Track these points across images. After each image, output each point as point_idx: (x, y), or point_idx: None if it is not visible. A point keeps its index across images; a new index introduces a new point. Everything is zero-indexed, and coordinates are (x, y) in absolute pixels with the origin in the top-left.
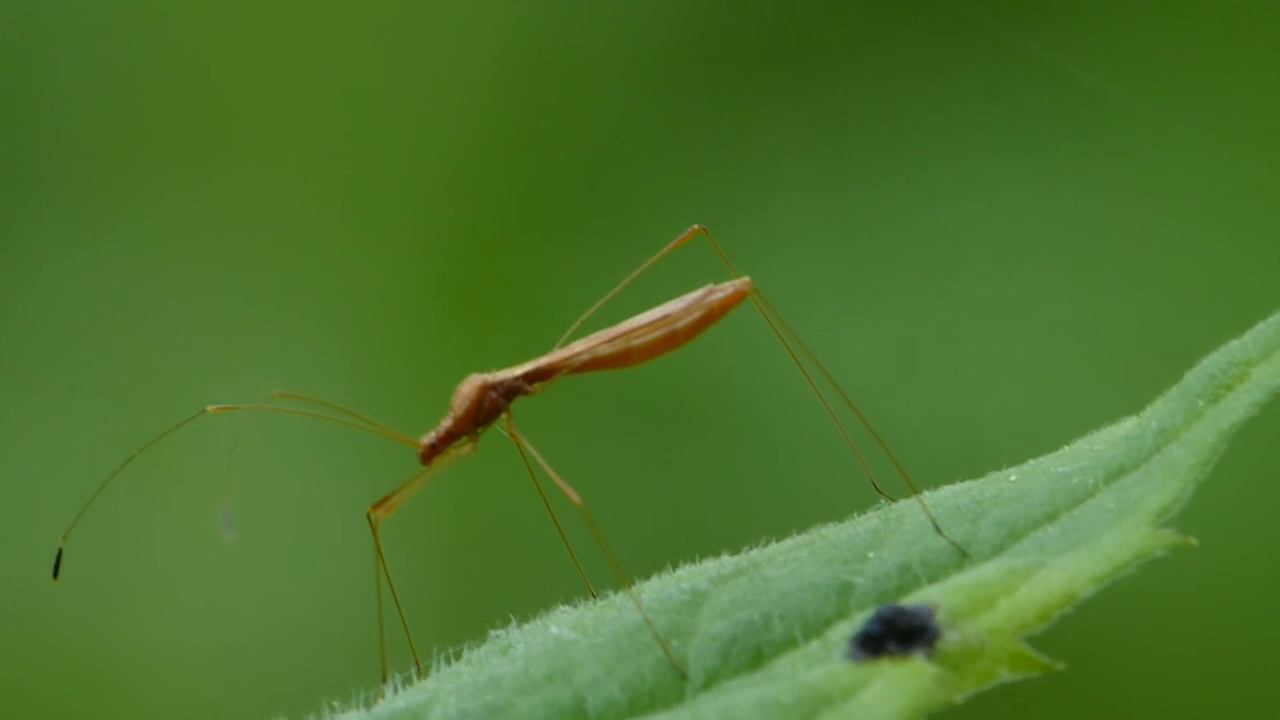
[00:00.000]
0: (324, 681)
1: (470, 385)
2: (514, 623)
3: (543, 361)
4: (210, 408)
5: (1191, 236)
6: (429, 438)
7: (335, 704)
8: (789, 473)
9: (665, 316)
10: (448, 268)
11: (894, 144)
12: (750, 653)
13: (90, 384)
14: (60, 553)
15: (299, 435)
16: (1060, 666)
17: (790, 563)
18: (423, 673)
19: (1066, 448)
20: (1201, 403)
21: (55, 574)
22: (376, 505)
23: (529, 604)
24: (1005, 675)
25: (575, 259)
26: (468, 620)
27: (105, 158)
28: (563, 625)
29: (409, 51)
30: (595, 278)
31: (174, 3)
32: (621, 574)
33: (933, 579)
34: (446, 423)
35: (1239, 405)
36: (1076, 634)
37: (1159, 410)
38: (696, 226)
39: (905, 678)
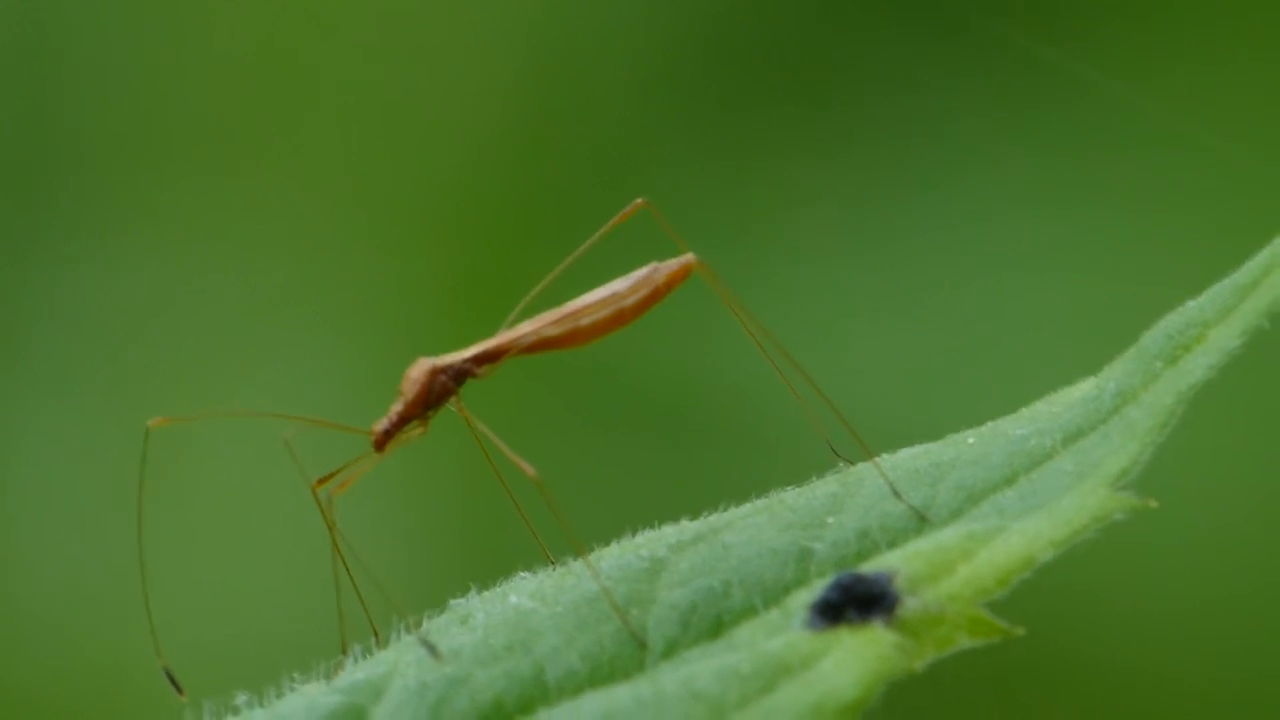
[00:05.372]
0: (287, 655)
1: (419, 369)
2: (473, 591)
3: (490, 343)
4: (150, 422)
5: (1223, 249)
6: (381, 424)
7: (296, 676)
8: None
9: (612, 295)
10: (459, 272)
11: (917, 156)
12: (710, 621)
13: (107, 388)
14: (167, 671)
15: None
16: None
17: (749, 528)
18: (382, 643)
19: (1024, 410)
20: (1159, 364)
21: (179, 690)
22: (323, 480)
23: (488, 572)
24: (965, 642)
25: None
26: (427, 589)
27: (125, 164)
28: (522, 594)
29: (421, 59)
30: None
31: (191, 11)
32: (579, 544)
33: (892, 544)
34: (397, 407)
35: (1196, 367)
36: (1063, 626)
37: (1116, 372)
38: (640, 200)
39: (864, 645)
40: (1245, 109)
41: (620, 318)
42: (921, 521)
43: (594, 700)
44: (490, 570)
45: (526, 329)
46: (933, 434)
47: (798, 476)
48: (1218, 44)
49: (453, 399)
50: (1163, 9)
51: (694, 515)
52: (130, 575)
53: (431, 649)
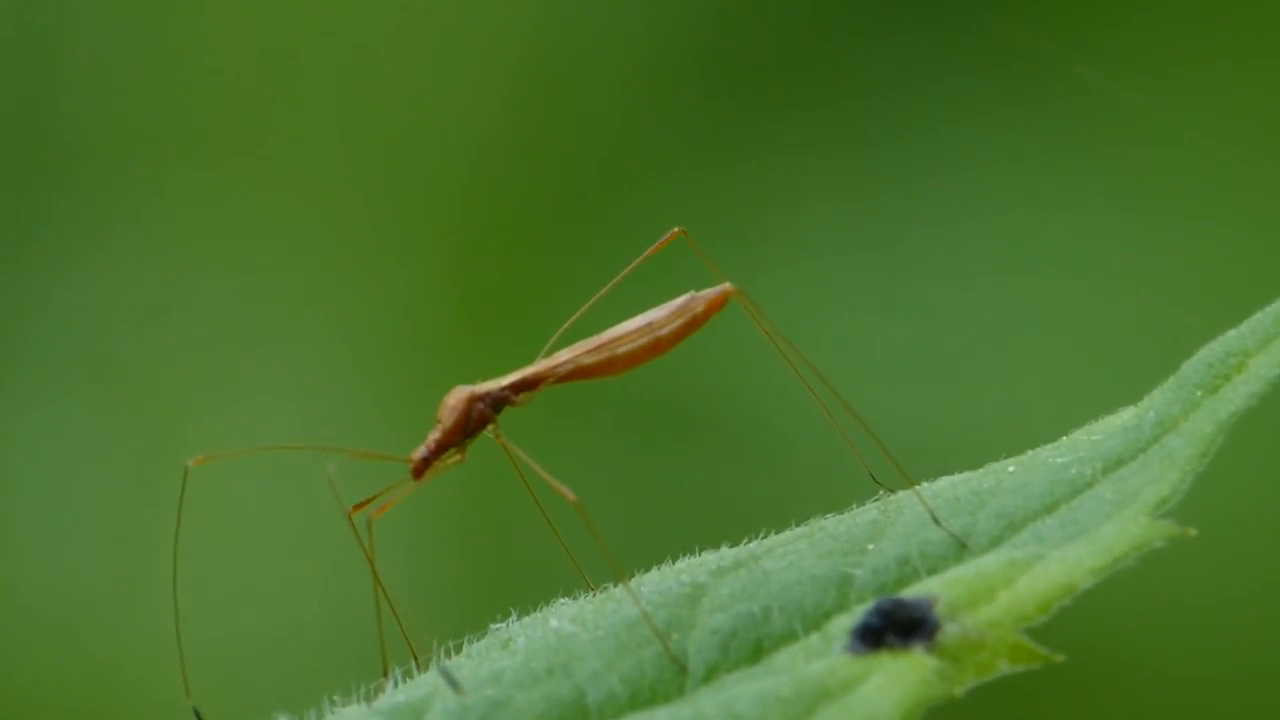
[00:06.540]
0: (328, 677)
1: (457, 397)
2: (514, 616)
3: (528, 371)
4: (190, 461)
5: (1215, 249)
6: (420, 452)
7: (336, 698)
8: (787, 465)
9: (649, 324)
10: (458, 274)
11: (912, 155)
12: (750, 646)
13: (108, 389)
14: (196, 711)
15: (292, 459)
16: (1060, 658)
17: (789, 555)
18: (422, 667)
19: (1065, 438)
20: (1199, 393)
21: None
22: (359, 505)
23: (529, 597)
24: (1005, 667)
25: (586, 271)
26: (468, 613)
27: (122, 166)
28: (562, 619)
29: (421, 61)
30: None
31: (194, 10)
32: (619, 568)
33: (932, 571)
34: (435, 435)
35: (1237, 396)
36: (1085, 631)
37: (1156, 400)
38: (677, 229)
39: (905, 670)
40: (1247, 111)
41: (657, 346)
42: (962, 548)
43: None
44: (529, 595)
45: (564, 357)
46: (932, 433)
47: (828, 491)
48: (1222, 46)
49: (490, 427)
50: (1168, 10)
51: (733, 540)
52: (129, 575)
53: (452, 682)
